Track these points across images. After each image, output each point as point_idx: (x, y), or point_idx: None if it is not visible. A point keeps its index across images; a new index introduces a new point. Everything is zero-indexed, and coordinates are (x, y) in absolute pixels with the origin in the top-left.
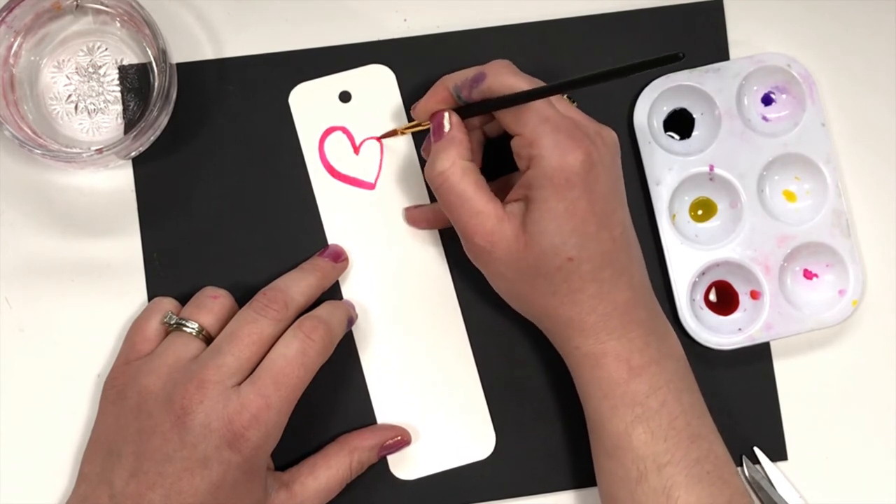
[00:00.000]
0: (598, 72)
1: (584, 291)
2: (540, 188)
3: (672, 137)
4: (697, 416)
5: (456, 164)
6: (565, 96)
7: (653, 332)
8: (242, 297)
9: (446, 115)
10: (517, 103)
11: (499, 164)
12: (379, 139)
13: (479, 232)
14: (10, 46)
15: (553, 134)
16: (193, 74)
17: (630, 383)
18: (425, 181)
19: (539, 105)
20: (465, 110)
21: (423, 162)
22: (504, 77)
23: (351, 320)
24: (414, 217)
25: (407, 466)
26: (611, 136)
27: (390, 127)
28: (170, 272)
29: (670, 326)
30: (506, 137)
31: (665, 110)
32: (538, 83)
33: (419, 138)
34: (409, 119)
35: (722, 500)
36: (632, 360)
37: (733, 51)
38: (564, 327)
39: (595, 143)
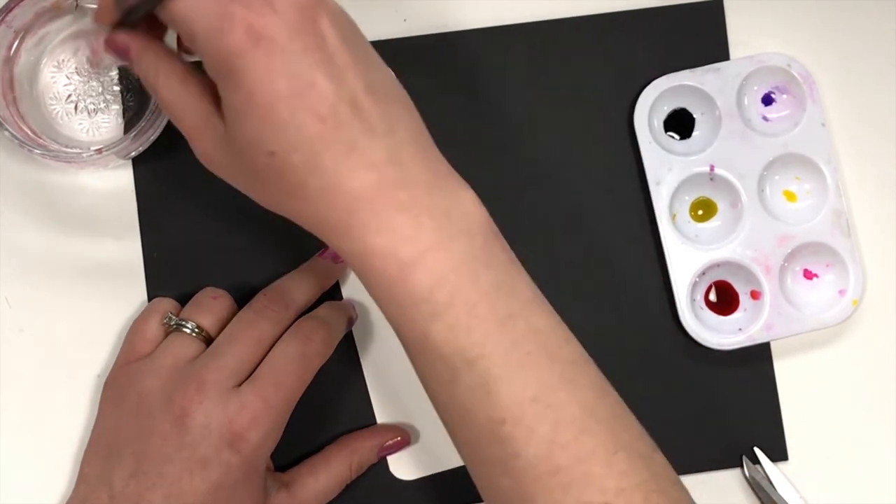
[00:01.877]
0: None
1: (308, 186)
2: (217, 84)
3: (672, 137)
4: (505, 295)
5: (155, 71)
6: None
7: (424, 211)
8: (242, 297)
9: (116, 37)
10: (154, 5)
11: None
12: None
13: (193, 136)
14: (10, 46)
15: (200, 20)
16: None
17: (407, 281)
18: None
19: None
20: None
21: None
22: None
23: (351, 321)
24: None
25: (407, 466)
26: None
27: None
28: (170, 272)
29: (462, 194)
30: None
31: (665, 110)
32: None
33: None
34: None
35: (552, 380)
36: (399, 253)
37: (733, 51)
38: (317, 229)
39: (257, 12)
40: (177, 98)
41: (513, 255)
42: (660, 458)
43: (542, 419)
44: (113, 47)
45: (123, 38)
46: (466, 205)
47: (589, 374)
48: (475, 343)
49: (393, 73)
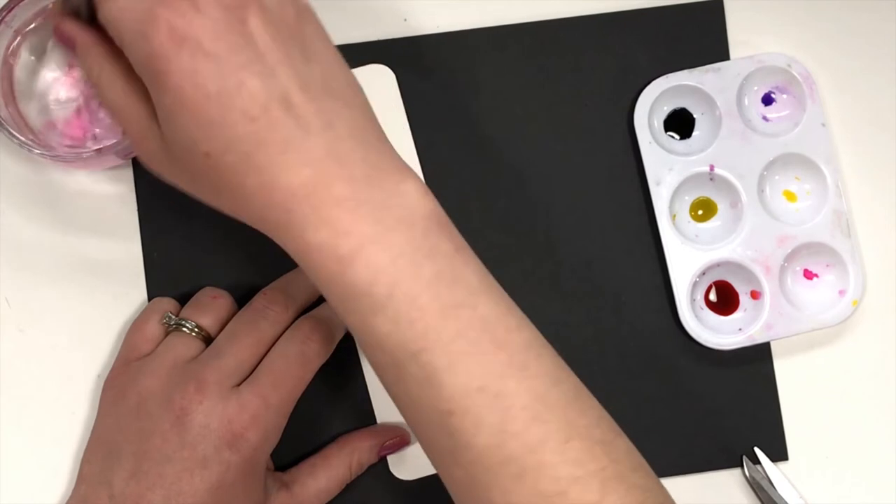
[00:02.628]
0: None
1: (244, 186)
2: (149, 88)
3: (672, 137)
4: (449, 284)
5: (99, 72)
6: None
7: (362, 205)
8: (242, 297)
9: (63, 26)
10: (88, 10)
11: None
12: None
13: (135, 140)
14: (10, 46)
15: (126, 24)
16: None
17: (345, 275)
18: None
19: None
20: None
21: (423, 161)
22: None
23: None
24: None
25: (407, 466)
26: None
27: (390, 129)
28: (170, 272)
29: (405, 184)
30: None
31: (665, 110)
32: None
33: (418, 137)
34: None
35: (499, 369)
36: (338, 248)
37: (733, 51)
38: (260, 227)
39: (180, 13)
40: (118, 99)
41: (462, 242)
42: (622, 444)
43: (490, 409)
44: (59, 36)
45: (70, 28)
46: (408, 195)
47: (542, 361)
48: (418, 335)
49: (343, 66)
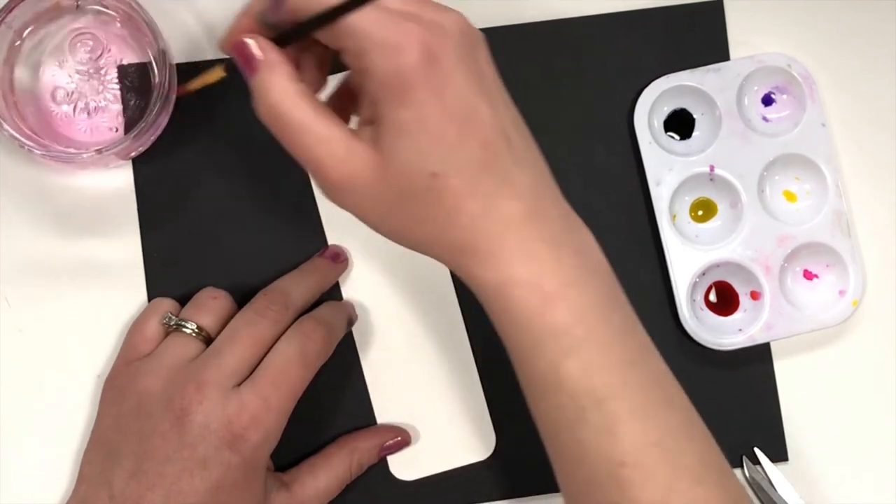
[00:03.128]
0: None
1: (464, 211)
2: (381, 102)
3: (672, 137)
4: (632, 336)
5: (285, 91)
6: None
7: (564, 245)
8: (242, 297)
9: (249, 42)
10: (324, 24)
11: None
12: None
13: (329, 163)
14: (10, 46)
15: (376, 35)
16: (193, 74)
17: (547, 314)
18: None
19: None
20: (278, 42)
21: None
22: None
23: (351, 321)
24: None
25: (407, 466)
26: (452, 20)
27: None
28: (170, 272)
29: (587, 234)
30: None
31: (665, 110)
32: None
33: None
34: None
35: (672, 426)
36: (544, 285)
37: (733, 51)
38: (458, 256)
39: (432, 32)
40: (306, 119)
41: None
42: None
43: (662, 465)
44: (239, 53)
45: (262, 45)
46: (593, 244)
47: (701, 427)
48: (605, 383)
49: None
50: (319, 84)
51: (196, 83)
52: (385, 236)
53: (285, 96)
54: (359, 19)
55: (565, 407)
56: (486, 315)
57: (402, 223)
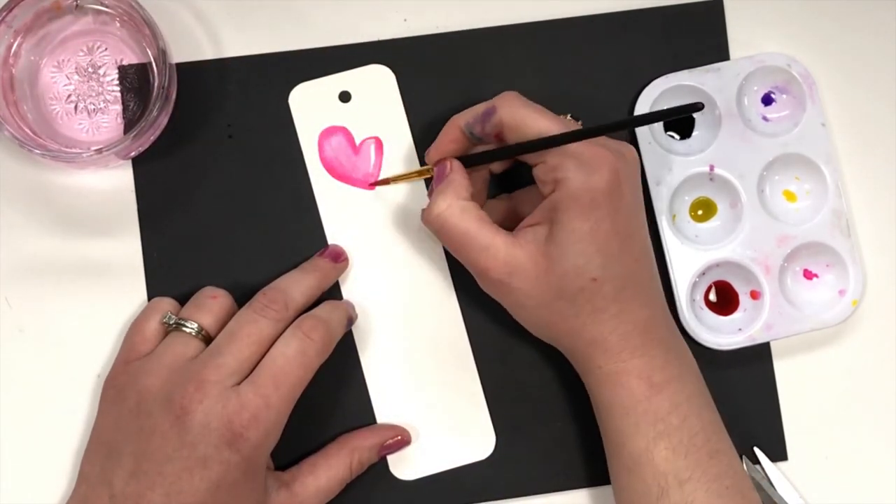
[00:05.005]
0: (621, 120)
1: (607, 311)
2: (565, 210)
3: (672, 137)
4: (716, 432)
5: (453, 204)
6: (569, 117)
7: (672, 348)
8: (242, 297)
9: (448, 163)
10: (539, 149)
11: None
12: (371, 186)
13: (492, 266)
14: (10, 46)
15: (578, 155)
16: (193, 74)
17: (651, 400)
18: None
19: (558, 129)
20: (485, 156)
21: (423, 161)
22: (515, 109)
23: (351, 320)
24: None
25: (407, 466)
26: (632, 152)
27: (390, 129)
28: (170, 272)
29: (685, 343)
30: (511, 172)
31: None
32: (547, 113)
33: (418, 137)
34: (421, 161)
35: None
36: (653, 377)
37: (733, 51)
38: (587, 347)
39: (619, 161)
40: (471, 226)
41: None
42: None
43: None
44: (441, 169)
45: (449, 168)
46: (687, 348)
47: None
48: (690, 466)
49: None
50: (482, 200)
51: (399, 178)
52: (526, 326)
53: (453, 209)
54: (575, 147)
55: (650, 484)
56: (487, 317)
57: (548, 316)
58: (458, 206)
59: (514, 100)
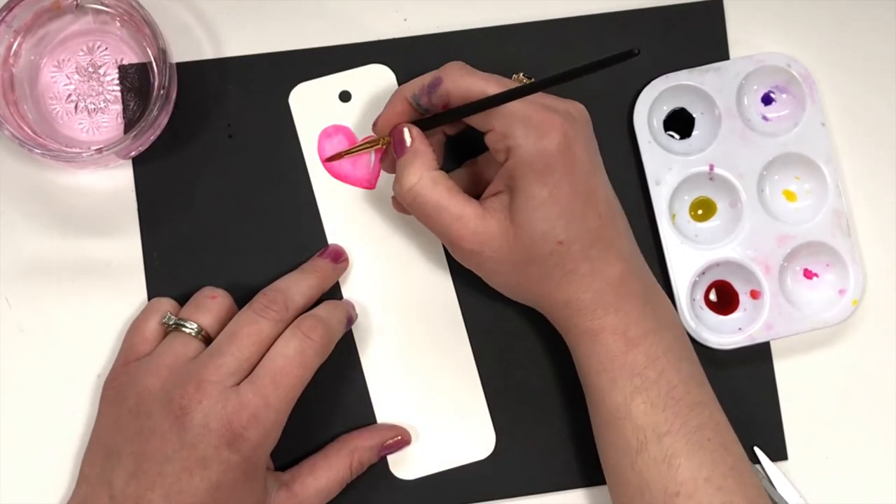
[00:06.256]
0: (556, 74)
1: (577, 272)
2: (522, 177)
3: (672, 137)
4: (697, 385)
5: (424, 176)
6: (521, 75)
7: (648, 301)
8: (242, 297)
9: (405, 129)
10: (482, 109)
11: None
12: (324, 161)
13: (464, 236)
14: (10, 46)
15: (525, 121)
16: (193, 74)
17: (628, 355)
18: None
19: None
20: (431, 121)
21: None
22: (460, 79)
23: (350, 320)
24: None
25: (407, 466)
26: (580, 110)
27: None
28: (170, 272)
29: (664, 294)
30: (465, 134)
31: (665, 110)
32: (494, 79)
33: None
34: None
35: (724, 467)
36: (628, 332)
37: (733, 51)
38: (563, 309)
39: (568, 121)
40: (442, 197)
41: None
42: None
43: (712, 498)
44: (395, 136)
45: (416, 132)
46: (667, 300)
47: (752, 473)
48: (668, 419)
49: None
50: (440, 165)
51: (351, 151)
52: (501, 291)
53: (424, 181)
54: (512, 106)
55: (629, 438)
56: (487, 317)
57: (521, 282)
58: (428, 177)
59: (460, 69)
